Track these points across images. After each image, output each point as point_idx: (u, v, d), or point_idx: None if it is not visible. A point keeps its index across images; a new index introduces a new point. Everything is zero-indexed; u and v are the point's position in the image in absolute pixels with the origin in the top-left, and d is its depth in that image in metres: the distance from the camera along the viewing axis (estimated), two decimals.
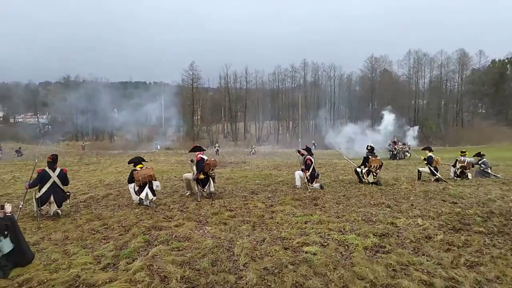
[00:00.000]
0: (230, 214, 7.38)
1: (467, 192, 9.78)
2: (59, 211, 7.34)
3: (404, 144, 32.24)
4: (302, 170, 10.70)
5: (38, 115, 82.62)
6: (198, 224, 6.68)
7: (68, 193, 7.81)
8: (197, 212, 7.62)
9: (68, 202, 7.90)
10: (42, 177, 7.39)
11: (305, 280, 4.05)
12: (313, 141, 47.85)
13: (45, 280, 4.12)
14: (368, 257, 4.81)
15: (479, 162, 14.01)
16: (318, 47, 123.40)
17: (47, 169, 7.50)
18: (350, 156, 21.68)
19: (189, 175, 9.59)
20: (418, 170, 13.20)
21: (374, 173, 11.40)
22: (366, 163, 11.52)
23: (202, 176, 9.12)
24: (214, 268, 4.46)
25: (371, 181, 11.32)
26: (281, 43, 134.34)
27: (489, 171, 13.85)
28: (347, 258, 4.79)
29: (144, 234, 5.99)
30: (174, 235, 5.92)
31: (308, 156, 10.71)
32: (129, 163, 9.29)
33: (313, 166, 10.69)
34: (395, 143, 30.27)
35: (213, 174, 9.56)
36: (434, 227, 6.32)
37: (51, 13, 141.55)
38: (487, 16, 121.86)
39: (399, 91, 75.89)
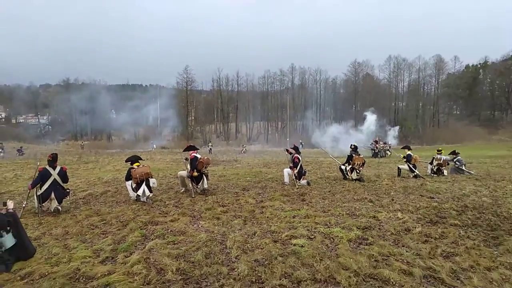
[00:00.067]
0: (223, 210, 7.36)
1: (443, 188, 9.90)
2: (59, 207, 7.26)
3: (385, 143, 32.43)
4: (290, 167, 10.71)
5: (39, 116, 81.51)
6: (193, 219, 6.65)
7: (68, 190, 7.72)
8: (192, 208, 7.59)
9: (68, 198, 7.81)
10: (43, 175, 7.29)
11: (293, 270, 4.06)
12: (300, 141, 47.85)
13: (46, 273, 4.07)
14: (352, 248, 4.84)
15: (454, 160, 14.18)
16: (305, 52, 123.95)
17: (47, 167, 7.40)
18: (335, 154, 21.71)
19: (183, 173, 9.54)
20: (398, 167, 13.33)
21: (357, 170, 11.48)
22: (350, 161, 11.59)
23: (196, 174, 9.08)
24: (207, 261, 4.44)
25: (354, 178, 11.40)
26: (270, 49, 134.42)
27: (463, 168, 14.03)
28: (332, 250, 4.81)
29: (141, 229, 5.94)
30: (169, 230, 5.89)
31: (296, 155, 10.74)
32: (126, 161, 9.20)
33: (301, 164, 10.71)
34: (376, 142, 30.45)
35: (206, 171, 9.52)
36: (413, 220, 6.38)
37: (52, 18, 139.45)
38: (462, 24, 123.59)
39: (380, 94, 76.37)
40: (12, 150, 33.53)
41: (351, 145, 12.50)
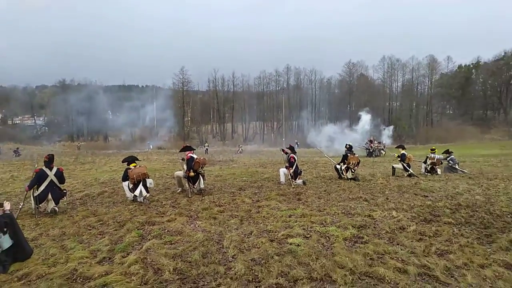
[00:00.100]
0: (219, 209, 7.35)
1: (437, 186, 9.95)
2: (56, 208, 7.21)
3: (379, 142, 32.58)
4: (286, 167, 10.72)
5: (35, 117, 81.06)
6: (189, 219, 6.63)
7: (65, 191, 7.67)
8: (188, 208, 7.57)
9: (65, 199, 7.77)
10: (40, 176, 7.24)
11: (289, 269, 4.07)
12: (296, 140, 47.94)
13: (44, 274, 4.05)
14: (347, 247, 4.85)
15: (448, 159, 14.26)
16: (301, 52, 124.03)
17: (44, 168, 7.36)
18: (330, 154, 21.81)
19: (180, 173, 9.52)
20: (392, 167, 13.38)
21: (352, 170, 11.50)
22: (345, 160, 11.61)
23: (192, 174, 9.06)
24: (204, 260, 4.44)
25: (349, 177, 11.42)
26: (266, 49, 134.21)
27: (457, 167, 14.11)
28: (328, 248, 4.83)
29: (138, 229, 5.92)
30: (166, 230, 5.88)
31: (292, 154, 10.74)
32: (123, 162, 9.17)
33: (296, 164, 10.72)
34: (371, 141, 30.58)
35: (202, 171, 9.50)
36: (407, 218, 6.41)
37: (49, 20, 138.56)
38: (453, 25, 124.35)
39: (374, 94, 76.66)
40: (8, 151, 33.41)
41: (346, 144, 12.52)
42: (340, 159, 12.13)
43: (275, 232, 5.61)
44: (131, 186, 8.29)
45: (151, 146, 49.00)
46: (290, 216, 6.65)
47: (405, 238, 5.22)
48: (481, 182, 10.78)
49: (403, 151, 12.95)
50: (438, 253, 4.64)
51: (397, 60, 79.27)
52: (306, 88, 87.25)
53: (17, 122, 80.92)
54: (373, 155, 28.38)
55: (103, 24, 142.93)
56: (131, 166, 8.52)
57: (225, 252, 4.72)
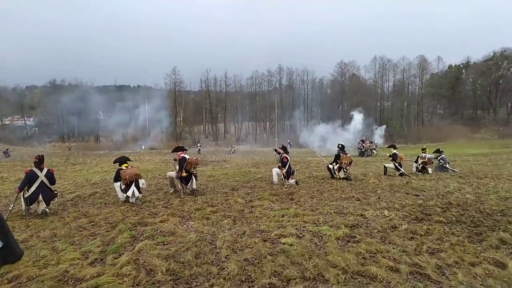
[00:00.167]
0: (212, 210, 7.33)
1: (428, 186, 10.04)
2: (47, 209, 7.13)
3: (371, 142, 32.80)
4: (279, 167, 10.73)
5: (25, 117, 80.00)
6: (182, 220, 6.60)
7: (55, 192, 7.59)
8: (181, 208, 7.53)
9: (55, 200, 7.69)
10: (31, 177, 7.15)
11: (282, 269, 4.07)
12: (288, 140, 48.00)
13: (34, 276, 4.00)
14: (340, 246, 4.87)
15: (438, 158, 14.40)
16: (292, 52, 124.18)
17: (34, 169, 7.27)
18: (322, 153, 21.90)
19: (172, 174, 9.48)
20: (384, 166, 13.48)
21: (344, 169, 11.56)
22: (338, 160, 11.66)
23: (184, 174, 9.03)
24: (197, 261, 4.42)
25: (342, 177, 11.47)
26: (258, 49, 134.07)
27: (447, 166, 14.25)
28: (321, 248, 4.84)
29: (130, 230, 5.88)
30: (159, 230, 5.84)
31: (284, 154, 10.75)
32: (114, 162, 9.11)
33: (289, 164, 10.74)
34: (363, 141, 30.79)
35: (195, 172, 9.47)
36: (399, 217, 6.46)
37: (37, 17, 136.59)
38: (444, 24, 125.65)
39: (366, 94, 77.13)
40: None
41: (339, 144, 12.58)
42: (333, 158, 12.19)
43: (268, 232, 5.61)
44: (123, 186, 8.23)
45: (143, 147, 48.68)
46: (283, 216, 6.65)
47: (397, 237, 5.25)
48: (471, 181, 10.90)
49: (394, 151, 13.06)
50: (429, 251, 4.68)
51: (388, 61, 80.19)
52: (299, 88, 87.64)
53: (7, 123, 79.70)
54: (365, 155, 28.60)
55: (94, 23, 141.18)
56: (123, 166, 8.47)
57: (218, 253, 4.71)
